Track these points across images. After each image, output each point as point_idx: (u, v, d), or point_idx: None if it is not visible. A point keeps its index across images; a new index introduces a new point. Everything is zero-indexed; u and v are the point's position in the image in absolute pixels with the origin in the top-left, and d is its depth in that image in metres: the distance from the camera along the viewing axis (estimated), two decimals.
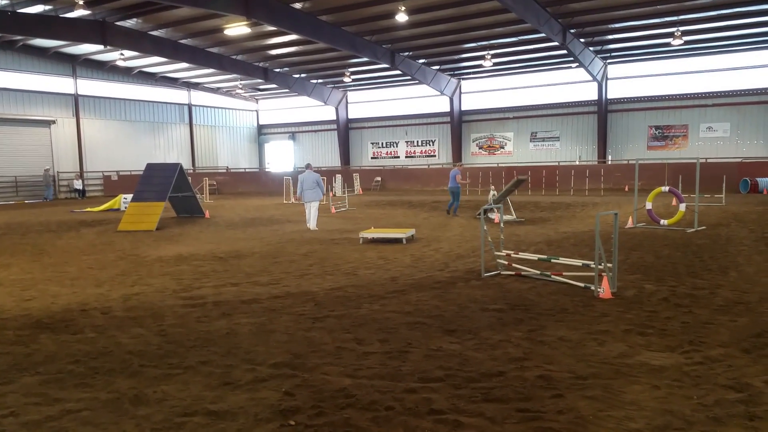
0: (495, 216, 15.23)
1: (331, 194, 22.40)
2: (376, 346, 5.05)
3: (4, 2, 21.94)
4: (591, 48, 26.64)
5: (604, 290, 6.60)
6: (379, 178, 32.41)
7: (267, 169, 39.73)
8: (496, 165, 29.57)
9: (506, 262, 8.21)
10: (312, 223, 14.34)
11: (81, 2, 19.84)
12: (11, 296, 7.41)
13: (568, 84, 30.45)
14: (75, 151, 31.31)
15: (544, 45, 25.74)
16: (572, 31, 24.04)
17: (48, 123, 30.03)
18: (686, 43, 23.92)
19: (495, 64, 28.44)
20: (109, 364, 4.73)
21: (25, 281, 8.43)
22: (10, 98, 28.44)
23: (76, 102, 31.16)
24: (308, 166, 15.06)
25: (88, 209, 21.69)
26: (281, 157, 41.58)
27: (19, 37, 26.36)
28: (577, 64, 27.15)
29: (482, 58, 27.30)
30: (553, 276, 7.57)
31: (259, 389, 4.12)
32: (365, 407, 3.76)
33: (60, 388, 4.22)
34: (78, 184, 30.42)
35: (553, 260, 7.71)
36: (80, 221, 17.25)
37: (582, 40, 25.35)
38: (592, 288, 6.79)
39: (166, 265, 9.51)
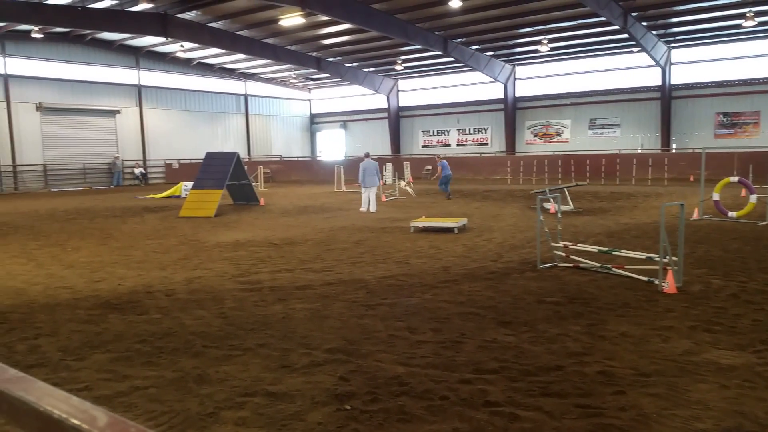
0: (551, 206, 14.85)
1: (381, 183, 22.49)
2: (428, 335, 5.04)
3: None
4: (654, 32, 25.35)
5: (669, 285, 6.32)
6: (429, 167, 32.18)
7: (318, 158, 40.24)
8: (552, 153, 28.73)
9: (564, 254, 7.99)
10: (372, 206, 15.61)
11: None
12: (82, 278, 7.85)
13: (630, 69, 29.10)
14: (138, 140, 32.72)
15: (603, 29, 24.71)
16: (634, 14, 22.95)
17: (113, 113, 31.48)
18: (759, 24, 22.35)
19: (552, 49, 27.56)
20: (174, 344, 4.94)
21: (94, 264, 8.90)
22: (79, 89, 29.98)
23: (139, 92, 32.49)
24: (367, 155, 16.59)
25: (151, 196, 22.63)
26: (333, 146, 42.00)
27: (88, 31, 27.69)
28: (639, 48, 25.91)
29: (538, 43, 26.51)
30: (614, 269, 7.30)
31: (314, 373, 4.20)
32: (419, 396, 3.76)
33: (128, 366, 4.44)
34: (138, 171, 31.87)
35: (614, 252, 7.44)
36: (144, 207, 18.06)
37: (644, 23, 24.16)
38: (656, 282, 6.52)
39: (225, 251, 9.82)
